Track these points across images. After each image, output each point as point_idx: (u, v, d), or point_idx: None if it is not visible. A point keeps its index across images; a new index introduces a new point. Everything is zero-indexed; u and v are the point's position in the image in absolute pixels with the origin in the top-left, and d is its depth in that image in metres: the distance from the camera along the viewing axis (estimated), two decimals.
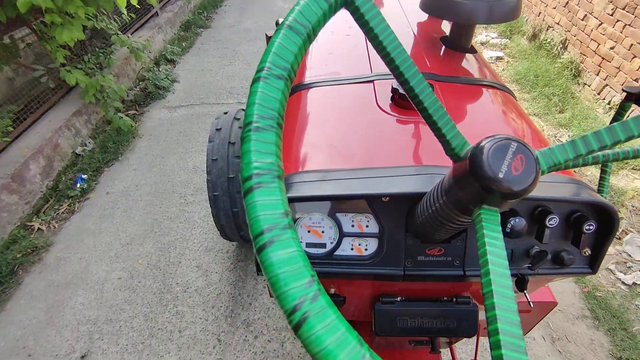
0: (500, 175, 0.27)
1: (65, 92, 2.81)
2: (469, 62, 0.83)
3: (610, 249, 2.01)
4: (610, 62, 2.85)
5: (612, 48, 2.84)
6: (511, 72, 3.56)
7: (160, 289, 1.81)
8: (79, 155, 2.60)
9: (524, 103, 3.16)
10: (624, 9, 2.72)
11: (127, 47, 2.90)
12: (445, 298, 0.64)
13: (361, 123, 0.63)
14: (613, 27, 2.83)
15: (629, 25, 2.67)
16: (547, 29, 3.76)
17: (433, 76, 0.72)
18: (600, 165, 0.61)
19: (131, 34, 3.66)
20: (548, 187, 0.51)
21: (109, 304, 1.76)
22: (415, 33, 0.92)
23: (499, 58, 3.88)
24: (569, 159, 0.30)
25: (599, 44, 2.98)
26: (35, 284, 1.86)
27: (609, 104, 2.84)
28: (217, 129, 1.51)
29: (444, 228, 0.41)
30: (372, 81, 0.74)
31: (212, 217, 1.68)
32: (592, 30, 3.07)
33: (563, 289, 1.80)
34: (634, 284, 1.82)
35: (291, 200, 0.50)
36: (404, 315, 0.59)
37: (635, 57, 2.62)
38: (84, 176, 2.44)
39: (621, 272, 1.88)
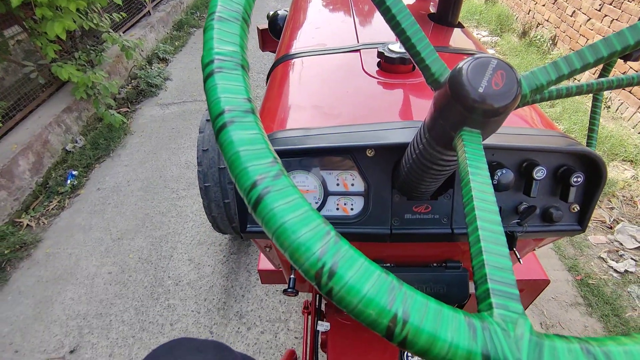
0: (480, 90, 0.26)
1: (55, 89, 2.78)
2: (457, 36, 0.84)
3: (602, 238, 2.02)
4: None
5: None
6: None
7: (151, 283, 1.78)
8: (70, 152, 2.57)
9: None
10: (611, 4, 2.76)
11: (118, 45, 2.89)
12: (435, 264, 0.63)
13: (347, 86, 0.63)
14: (601, 22, 2.87)
15: (616, 19, 2.71)
16: (537, 26, 3.80)
17: None
18: (589, 116, 0.62)
19: (123, 33, 3.64)
20: (535, 139, 0.51)
21: (99, 299, 1.73)
22: None
23: None
24: (551, 81, 0.29)
25: (588, 39, 3.03)
26: (24, 280, 1.83)
27: None
28: (207, 120, 1.49)
29: (429, 174, 0.40)
30: (358, 50, 0.74)
31: (204, 211, 1.66)
32: (580, 26, 3.12)
33: (556, 278, 1.81)
34: (626, 271, 1.83)
35: None
36: None
37: None
38: (75, 172, 2.41)
39: (613, 260, 1.89)
